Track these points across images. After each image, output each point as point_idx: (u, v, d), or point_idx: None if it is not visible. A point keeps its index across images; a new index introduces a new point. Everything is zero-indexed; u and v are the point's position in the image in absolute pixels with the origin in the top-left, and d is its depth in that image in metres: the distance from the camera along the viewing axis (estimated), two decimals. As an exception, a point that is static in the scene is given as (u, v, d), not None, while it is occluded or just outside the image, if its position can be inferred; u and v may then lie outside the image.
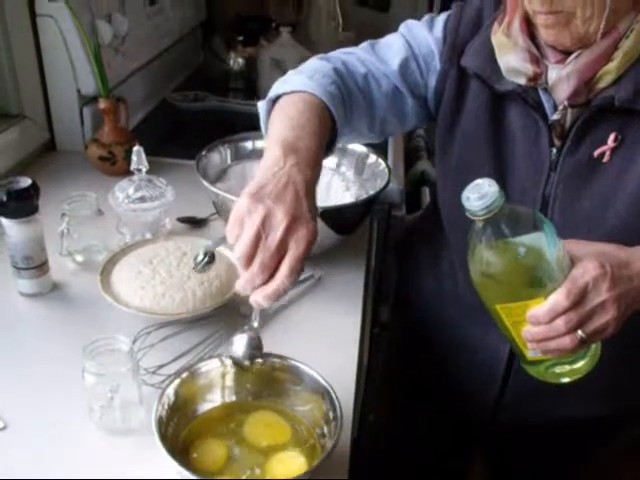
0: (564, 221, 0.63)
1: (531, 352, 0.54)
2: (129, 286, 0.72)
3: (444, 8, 0.76)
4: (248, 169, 0.94)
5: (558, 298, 0.49)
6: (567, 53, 0.59)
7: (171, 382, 0.57)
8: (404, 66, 0.71)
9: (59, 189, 0.91)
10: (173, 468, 0.50)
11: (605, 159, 0.61)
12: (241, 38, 1.59)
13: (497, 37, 0.63)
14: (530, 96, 0.63)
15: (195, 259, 0.57)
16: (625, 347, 0.61)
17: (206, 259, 0.56)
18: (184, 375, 0.58)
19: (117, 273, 0.75)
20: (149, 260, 0.75)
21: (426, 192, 1.24)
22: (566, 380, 0.55)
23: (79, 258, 0.82)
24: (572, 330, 0.50)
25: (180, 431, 0.56)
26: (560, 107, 0.62)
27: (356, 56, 0.72)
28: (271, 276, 0.51)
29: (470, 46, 0.67)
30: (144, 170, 0.85)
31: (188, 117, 1.37)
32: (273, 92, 0.66)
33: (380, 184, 0.87)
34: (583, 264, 0.50)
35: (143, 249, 0.78)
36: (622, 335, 0.52)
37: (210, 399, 0.60)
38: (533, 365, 0.56)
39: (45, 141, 1.11)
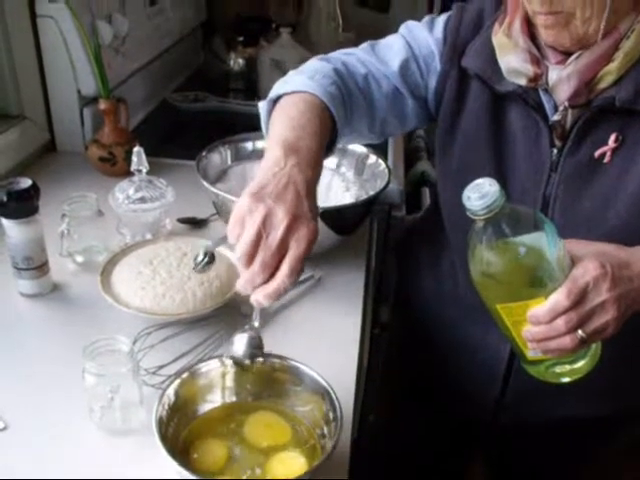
0: (565, 221, 0.63)
1: (531, 352, 0.54)
2: (129, 287, 0.72)
3: (444, 9, 0.77)
4: (248, 170, 0.94)
5: (558, 298, 0.49)
6: (568, 54, 0.59)
7: (171, 382, 0.57)
8: (404, 67, 0.71)
9: (59, 190, 0.92)
10: (173, 468, 0.50)
11: (606, 160, 0.61)
12: (241, 39, 1.59)
13: (498, 38, 0.63)
14: (531, 97, 0.63)
15: (195, 259, 0.57)
16: (625, 347, 0.61)
17: (206, 259, 0.56)
18: (184, 375, 0.58)
19: (117, 274, 0.75)
20: (149, 261, 0.75)
21: (426, 193, 1.24)
22: (566, 380, 0.55)
23: (79, 259, 0.82)
24: (572, 330, 0.50)
25: (180, 431, 0.56)
26: (561, 108, 0.62)
27: (356, 57, 0.72)
28: (272, 275, 0.51)
29: (471, 47, 0.67)
30: (144, 171, 0.85)
31: (188, 118, 1.37)
32: (274, 92, 0.66)
33: (380, 185, 0.87)
34: (584, 264, 0.50)
35: (143, 250, 0.78)
36: (622, 335, 0.52)
37: (210, 399, 0.60)
38: (533, 365, 0.56)
39: (45, 142, 1.11)
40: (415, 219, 1.04)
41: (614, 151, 0.61)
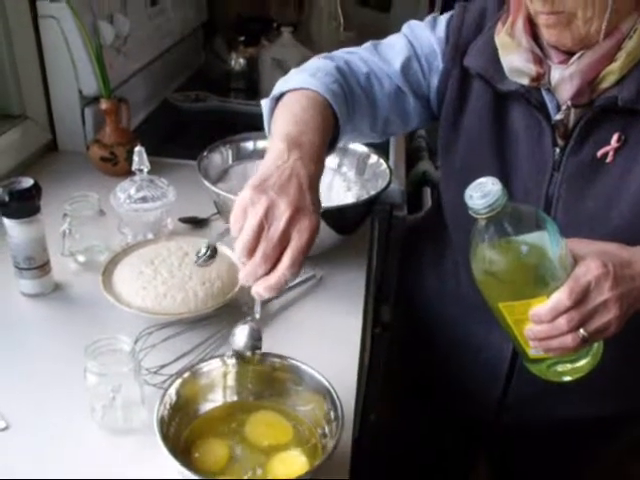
0: (568, 221, 0.63)
1: (533, 350, 0.54)
2: (131, 286, 0.72)
3: (445, 8, 0.77)
4: (249, 169, 0.94)
5: (560, 297, 0.49)
6: (570, 53, 0.59)
7: (173, 382, 0.57)
8: (406, 66, 0.71)
9: (61, 189, 0.92)
10: (175, 468, 0.50)
11: (608, 159, 0.61)
12: (242, 38, 1.59)
13: (500, 37, 0.63)
14: (533, 96, 0.63)
15: (197, 253, 0.57)
16: (627, 346, 0.61)
17: (208, 253, 0.56)
18: (186, 375, 0.58)
19: (119, 273, 0.75)
20: (151, 260, 0.76)
21: (427, 192, 1.24)
22: (568, 379, 0.55)
23: (81, 258, 0.82)
24: (574, 329, 0.50)
25: (182, 431, 0.56)
26: (563, 107, 0.62)
27: (359, 56, 0.72)
28: (273, 267, 0.51)
29: (473, 46, 0.67)
30: (146, 170, 0.85)
31: (189, 117, 1.38)
32: (276, 90, 0.66)
33: (381, 184, 0.87)
34: (586, 263, 0.50)
35: (145, 249, 0.78)
36: (624, 334, 0.52)
37: (212, 399, 0.60)
38: (535, 363, 0.56)
39: (47, 142, 1.11)
40: (416, 219, 1.04)
41: (616, 151, 0.61)
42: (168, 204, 0.86)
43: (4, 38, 0.99)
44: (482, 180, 0.49)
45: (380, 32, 0.80)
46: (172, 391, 0.56)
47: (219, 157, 0.94)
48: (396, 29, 0.75)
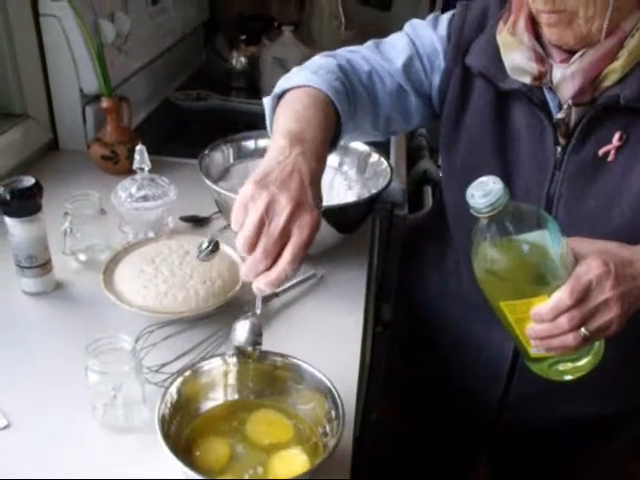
0: (569, 220, 0.63)
1: (534, 349, 0.54)
2: (132, 285, 0.72)
3: (446, 7, 0.77)
4: (251, 168, 0.94)
5: (562, 296, 0.49)
6: (572, 52, 0.59)
7: (174, 380, 0.57)
8: (408, 65, 0.71)
9: (62, 188, 0.92)
10: (176, 466, 0.50)
11: (610, 158, 0.61)
12: (243, 37, 1.58)
13: (502, 36, 0.63)
14: (535, 95, 0.63)
15: (199, 247, 0.57)
16: (629, 345, 0.61)
17: (210, 247, 0.56)
18: (187, 373, 0.58)
19: (120, 272, 0.75)
20: (151, 259, 0.76)
21: (428, 191, 1.24)
22: (569, 378, 0.55)
23: (82, 257, 0.82)
24: (575, 328, 0.50)
25: (183, 429, 0.56)
26: (565, 106, 0.62)
27: (360, 54, 0.72)
28: (274, 263, 0.51)
29: (475, 45, 0.67)
30: (147, 169, 0.85)
31: (191, 116, 1.37)
32: (278, 88, 0.66)
33: (382, 183, 0.87)
34: (587, 262, 0.50)
35: (145, 248, 0.78)
36: (625, 333, 0.52)
37: (213, 397, 0.60)
38: (536, 362, 0.56)
39: (48, 140, 1.11)
40: (417, 217, 1.04)
41: (618, 149, 0.61)
42: (169, 203, 0.86)
43: (5, 37, 0.99)
44: (483, 179, 0.49)
45: (381, 31, 0.80)
46: (173, 390, 0.56)
47: (220, 156, 0.94)
48: (397, 28, 0.75)
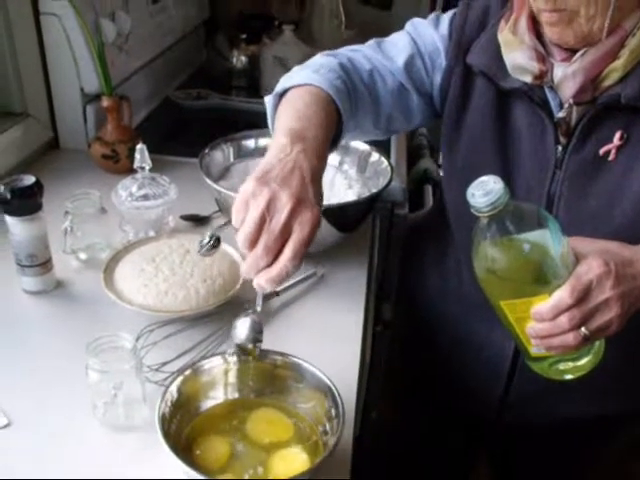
0: (570, 219, 0.63)
1: (535, 348, 0.54)
2: (132, 284, 0.72)
3: (447, 6, 0.77)
4: (251, 167, 0.94)
5: (562, 295, 0.49)
6: (573, 51, 0.59)
7: (174, 379, 0.57)
8: (409, 63, 0.71)
9: (62, 187, 0.92)
10: (176, 465, 0.50)
11: (610, 157, 0.61)
12: (244, 36, 1.58)
13: (504, 35, 0.63)
14: (536, 94, 0.63)
15: (201, 242, 0.57)
16: (629, 345, 0.61)
17: (211, 242, 0.56)
18: (187, 372, 0.58)
19: (120, 271, 0.75)
20: (152, 258, 0.76)
21: (429, 190, 1.24)
22: (569, 377, 0.55)
23: (82, 256, 0.82)
24: (575, 327, 0.50)
25: (183, 428, 0.56)
26: (566, 105, 0.62)
27: (362, 53, 0.72)
28: (275, 259, 0.50)
29: (476, 44, 0.67)
30: (147, 168, 0.85)
31: (191, 115, 1.37)
32: (280, 86, 0.66)
33: (382, 182, 0.87)
34: (587, 261, 0.50)
35: (146, 247, 0.79)
36: (626, 333, 0.52)
37: (213, 396, 0.60)
38: (537, 361, 0.56)
39: (48, 139, 1.11)
40: (417, 217, 1.04)
41: (619, 149, 0.61)
42: (169, 202, 0.86)
43: (6, 36, 0.99)
44: (484, 178, 0.49)
45: (381, 30, 0.80)
46: (173, 388, 0.56)
47: (220, 155, 0.94)
48: (397, 27, 0.75)
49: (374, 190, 0.87)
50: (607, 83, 0.59)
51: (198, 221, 0.93)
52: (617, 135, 0.60)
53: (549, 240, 0.49)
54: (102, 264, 0.76)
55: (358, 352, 0.71)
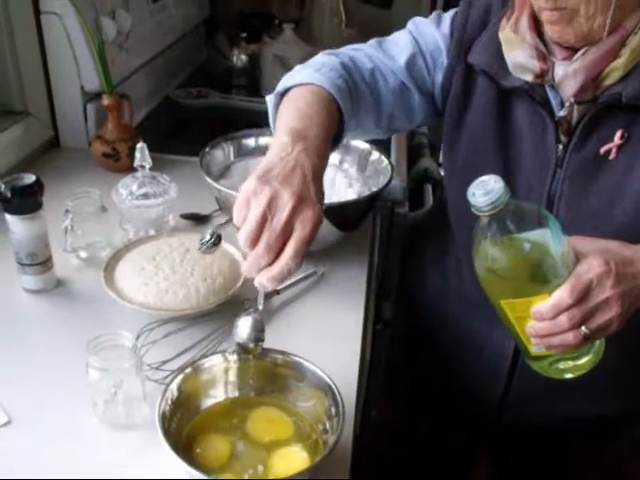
0: (571, 218, 0.63)
1: (535, 348, 0.54)
2: (132, 282, 0.73)
3: (447, 5, 0.77)
4: (251, 166, 0.94)
5: (562, 294, 0.49)
6: (574, 50, 0.59)
7: (174, 378, 0.57)
8: (411, 62, 0.71)
9: (63, 186, 0.92)
10: (176, 464, 0.50)
11: (611, 156, 0.61)
12: (244, 35, 1.58)
13: (505, 33, 0.63)
14: (537, 93, 0.63)
15: (201, 240, 0.56)
16: (629, 344, 0.61)
17: (212, 239, 0.56)
18: (187, 371, 0.58)
19: (120, 269, 0.75)
20: (152, 256, 0.76)
21: (429, 189, 1.24)
22: (570, 376, 0.55)
23: (83, 254, 0.82)
24: (575, 326, 0.50)
25: (183, 426, 0.57)
26: (567, 104, 0.62)
27: (363, 52, 0.72)
28: (276, 258, 0.50)
29: (477, 42, 0.67)
30: (147, 167, 0.85)
31: (191, 114, 1.37)
32: (281, 86, 0.66)
33: (383, 181, 0.87)
34: (588, 261, 0.50)
35: (146, 245, 0.79)
36: (626, 332, 0.52)
37: (213, 395, 0.60)
38: (537, 361, 0.56)
39: (49, 138, 1.11)
40: (417, 216, 1.04)
41: (620, 148, 0.61)
42: (170, 200, 0.86)
43: (6, 34, 0.99)
44: (485, 178, 0.49)
45: (382, 29, 0.80)
46: (174, 387, 0.56)
47: (221, 154, 0.94)
48: (398, 26, 0.75)
49: (374, 189, 0.87)
50: (608, 82, 0.59)
51: (198, 220, 0.93)
52: (618, 134, 0.60)
53: (549, 239, 0.49)
54: (102, 263, 0.76)
55: (358, 351, 0.71)
